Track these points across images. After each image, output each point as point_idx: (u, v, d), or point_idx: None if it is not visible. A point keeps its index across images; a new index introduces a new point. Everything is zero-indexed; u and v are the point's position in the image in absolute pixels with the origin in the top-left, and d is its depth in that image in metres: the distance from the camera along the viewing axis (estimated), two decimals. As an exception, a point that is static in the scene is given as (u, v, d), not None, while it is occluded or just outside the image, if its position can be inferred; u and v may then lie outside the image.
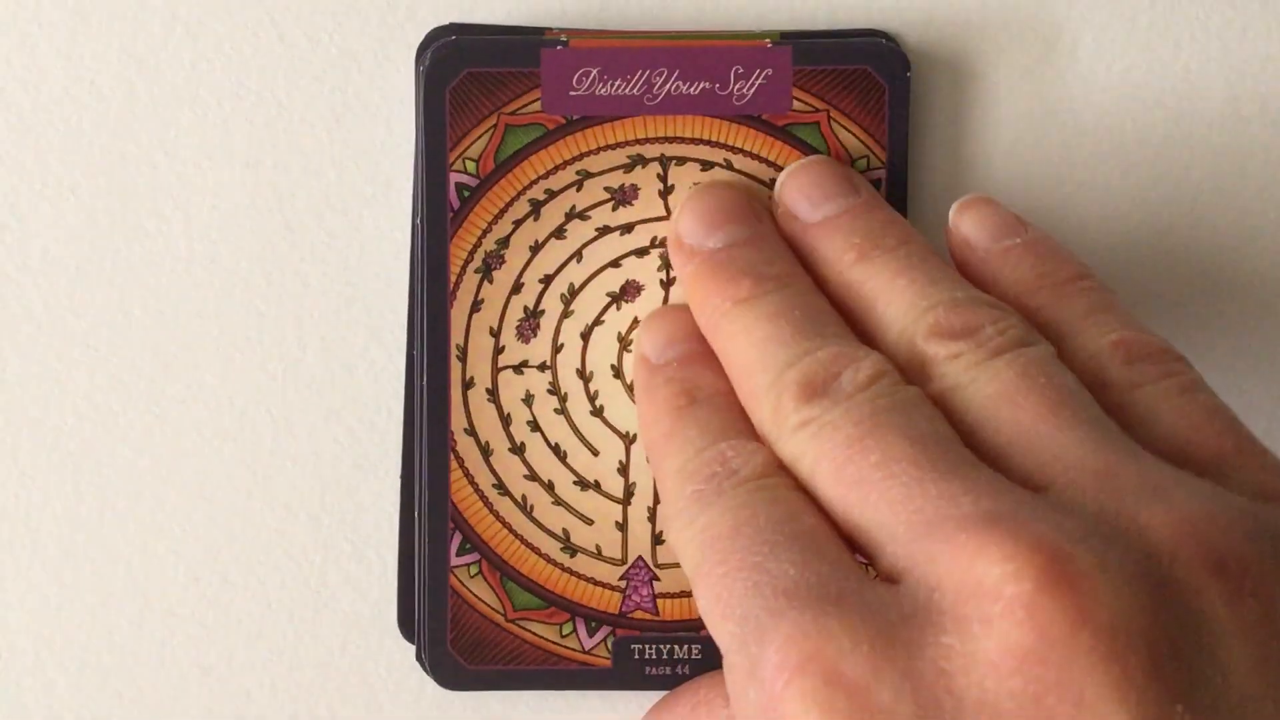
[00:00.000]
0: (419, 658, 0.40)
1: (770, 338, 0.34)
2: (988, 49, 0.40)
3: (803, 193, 0.37)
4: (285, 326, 0.40)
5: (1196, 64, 0.40)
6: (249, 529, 0.41)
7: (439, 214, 0.39)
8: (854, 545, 0.32)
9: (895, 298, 0.35)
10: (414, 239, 0.39)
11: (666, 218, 0.39)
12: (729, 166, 0.39)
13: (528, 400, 0.39)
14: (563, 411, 0.39)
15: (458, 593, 0.39)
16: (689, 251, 0.37)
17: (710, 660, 0.39)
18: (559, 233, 0.39)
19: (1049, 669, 0.28)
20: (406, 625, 0.40)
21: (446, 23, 0.40)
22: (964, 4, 0.40)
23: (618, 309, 0.39)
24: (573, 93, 0.38)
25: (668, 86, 0.38)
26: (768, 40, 0.39)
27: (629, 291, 0.39)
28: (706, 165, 0.39)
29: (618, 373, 0.39)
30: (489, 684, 0.40)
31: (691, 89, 0.38)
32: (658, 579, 0.40)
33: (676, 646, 0.39)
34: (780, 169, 0.39)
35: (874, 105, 0.39)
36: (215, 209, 0.40)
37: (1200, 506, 0.30)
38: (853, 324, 0.35)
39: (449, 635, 0.39)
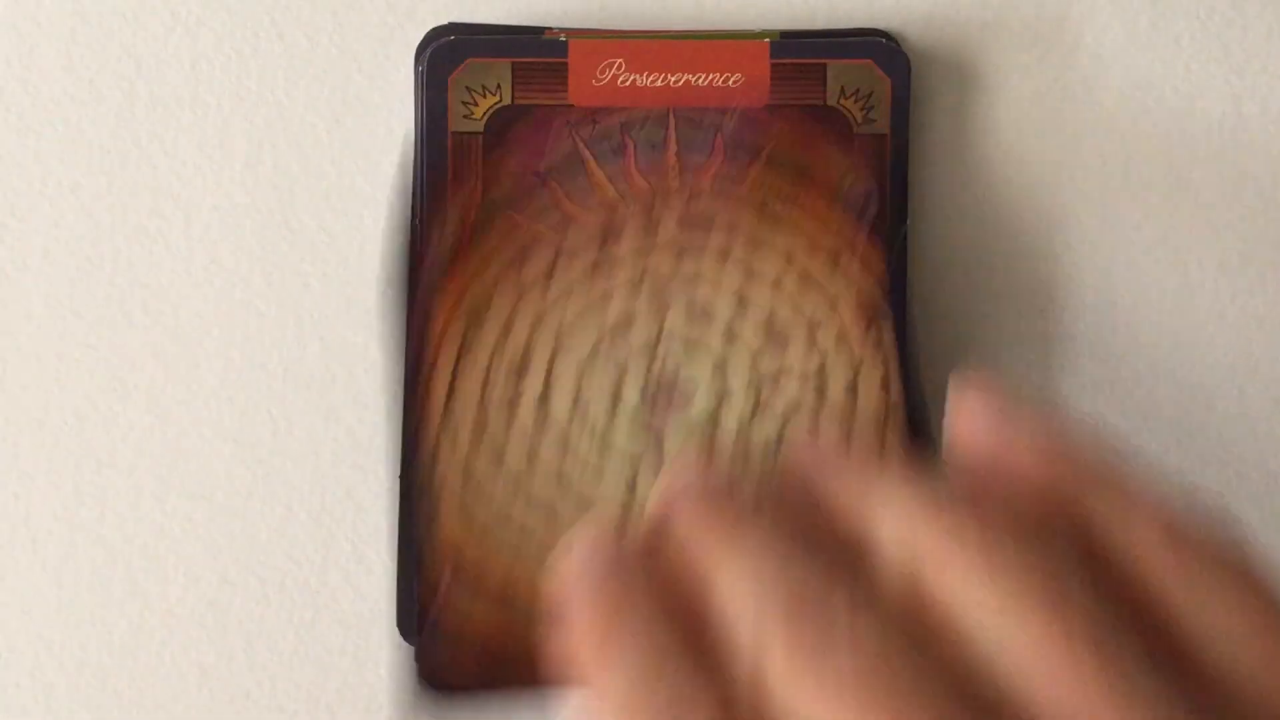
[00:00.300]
0: (416, 660, 0.40)
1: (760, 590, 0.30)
2: (989, 49, 0.40)
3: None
4: (285, 326, 0.40)
5: (1197, 64, 0.40)
6: (249, 529, 0.41)
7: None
8: None
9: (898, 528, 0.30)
10: (414, 239, 0.39)
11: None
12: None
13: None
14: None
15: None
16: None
17: None
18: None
19: None
20: (405, 625, 0.40)
21: (446, 22, 0.40)
22: (965, 4, 0.40)
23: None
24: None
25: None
26: (767, 39, 0.39)
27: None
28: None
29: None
30: (488, 685, 0.39)
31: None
32: None
33: None
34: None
35: (879, 95, 0.39)
36: (215, 209, 0.40)
37: None
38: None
39: (447, 638, 0.39)
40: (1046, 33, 0.40)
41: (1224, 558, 0.28)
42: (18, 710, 0.41)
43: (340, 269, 0.40)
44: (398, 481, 0.40)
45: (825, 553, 0.29)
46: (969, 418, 0.32)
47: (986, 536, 0.28)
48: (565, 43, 0.38)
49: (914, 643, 0.28)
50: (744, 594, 0.29)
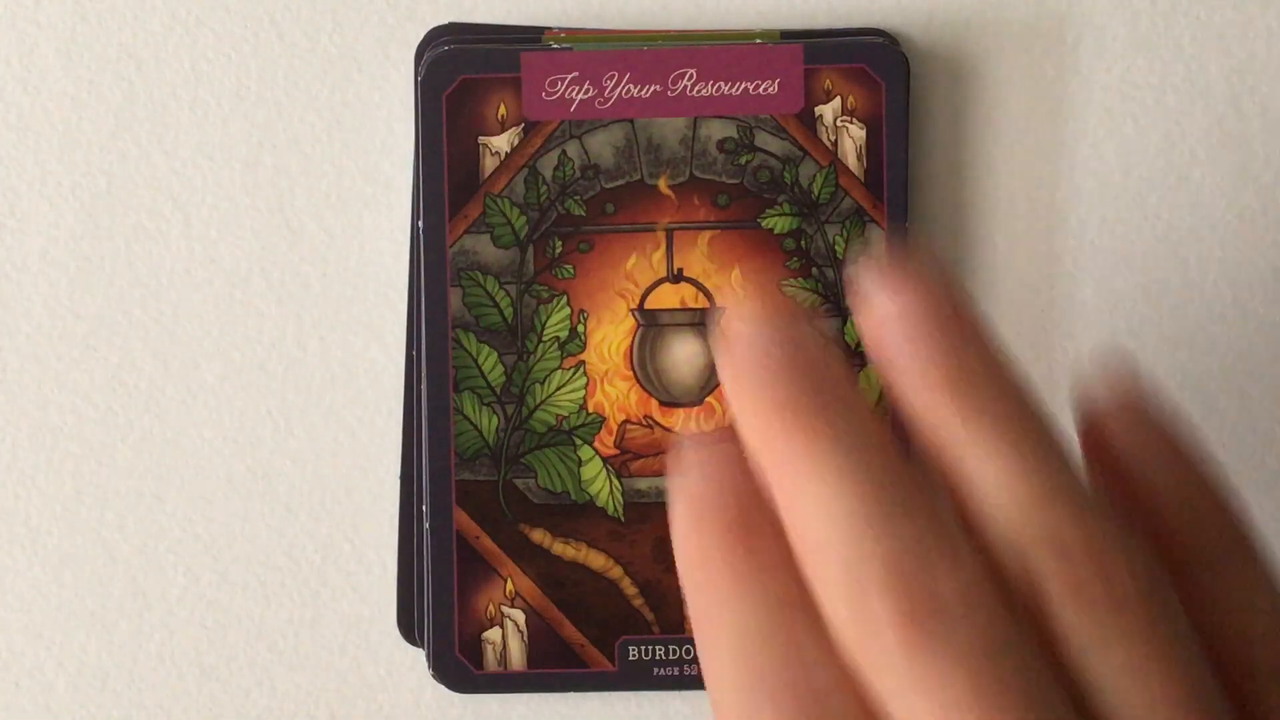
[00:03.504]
0: (429, 666, 0.40)
1: (847, 508, 0.26)
2: (988, 48, 0.40)
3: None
4: (285, 326, 0.40)
5: (1196, 64, 0.40)
6: (249, 529, 0.41)
7: (438, 221, 0.39)
8: None
9: (1005, 478, 0.27)
10: (414, 242, 0.39)
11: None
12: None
13: None
14: None
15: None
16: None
17: None
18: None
19: None
20: (405, 625, 0.40)
21: (446, 22, 0.40)
22: (964, 3, 0.40)
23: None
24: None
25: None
26: (765, 39, 0.39)
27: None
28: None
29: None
30: (497, 688, 0.40)
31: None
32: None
33: (678, 647, 0.39)
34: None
35: (873, 99, 0.39)
36: (215, 209, 0.40)
37: None
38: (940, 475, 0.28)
39: (456, 641, 0.39)
40: (1047, 32, 0.40)
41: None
42: (18, 710, 0.41)
43: (340, 269, 0.40)
44: (398, 481, 0.40)
45: (920, 494, 0.26)
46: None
47: (1111, 575, 0.26)
48: (568, 53, 0.38)
49: (1020, 644, 0.26)
50: (832, 539, 0.26)
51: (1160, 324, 0.40)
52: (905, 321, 0.27)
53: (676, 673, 0.39)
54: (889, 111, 0.39)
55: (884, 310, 0.27)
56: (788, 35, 0.39)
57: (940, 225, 0.39)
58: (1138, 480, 0.28)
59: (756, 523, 0.27)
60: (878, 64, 0.38)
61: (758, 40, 0.39)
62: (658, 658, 0.39)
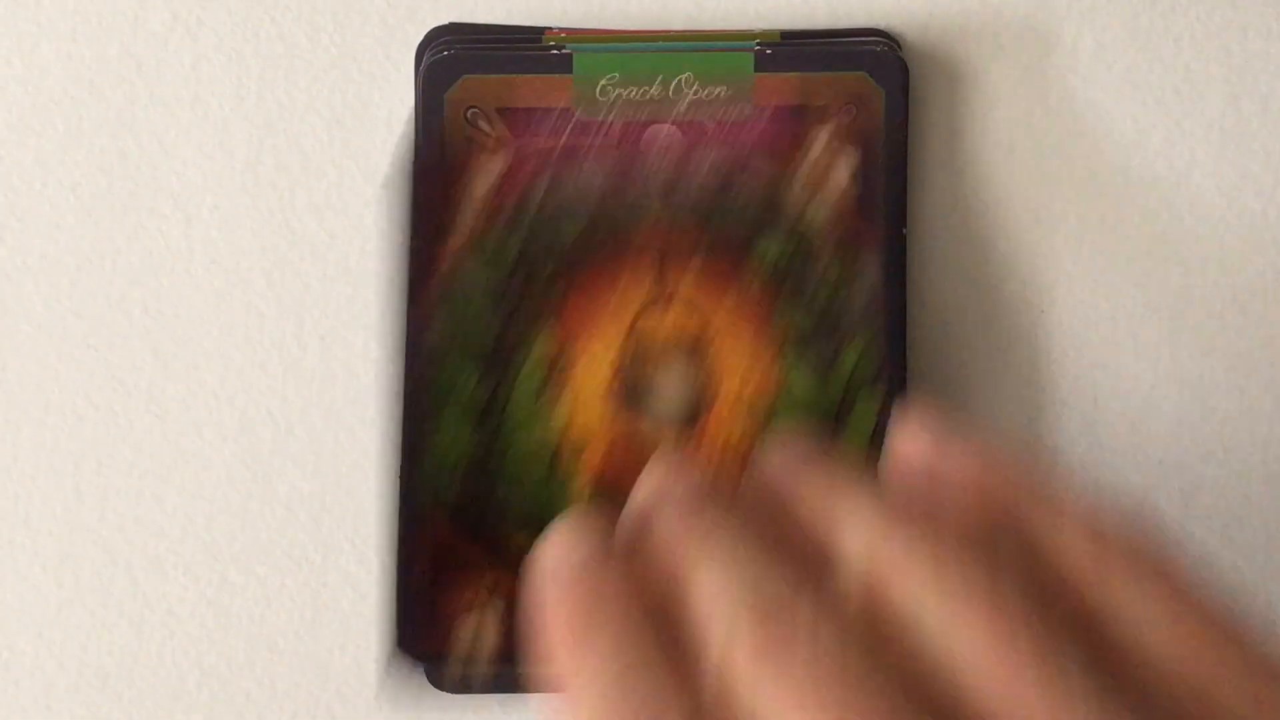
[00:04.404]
0: (426, 672, 0.40)
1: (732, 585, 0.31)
2: (987, 48, 0.40)
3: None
4: (285, 326, 0.40)
5: (1197, 64, 0.40)
6: (249, 529, 0.41)
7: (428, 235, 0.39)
8: None
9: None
10: (414, 248, 0.39)
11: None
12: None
13: None
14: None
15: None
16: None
17: None
18: None
19: None
20: (406, 638, 0.40)
21: (446, 22, 0.40)
22: (964, 3, 0.40)
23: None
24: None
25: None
26: (765, 39, 0.39)
27: None
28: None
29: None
30: (489, 688, 0.40)
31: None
32: None
33: None
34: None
35: (872, 107, 0.39)
36: (215, 209, 0.40)
37: None
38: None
39: (437, 645, 0.39)
40: (1046, 33, 0.40)
41: (1142, 553, 0.30)
42: (18, 710, 0.41)
43: (340, 269, 0.40)
44: (398, 481, 0.40)
45: (793, 559, 0.30)
46: (910, 438, 0.33)
47: (937, 550, 0.29)
48: (568, 56, 0.38)
49: (870, 646, 0.28)
50: (715, 597, 0.29)
51: (1160, 324, 0.40)
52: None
53: None
54: (888, 120, 0.39)
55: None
56: (788, 35, 0.39)
57: (939, 228, 0.39)
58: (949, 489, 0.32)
59: (611, 593, 0.30)
60: (877, 68, 0.38)
61: (757, 42, 0.39)
62: None
